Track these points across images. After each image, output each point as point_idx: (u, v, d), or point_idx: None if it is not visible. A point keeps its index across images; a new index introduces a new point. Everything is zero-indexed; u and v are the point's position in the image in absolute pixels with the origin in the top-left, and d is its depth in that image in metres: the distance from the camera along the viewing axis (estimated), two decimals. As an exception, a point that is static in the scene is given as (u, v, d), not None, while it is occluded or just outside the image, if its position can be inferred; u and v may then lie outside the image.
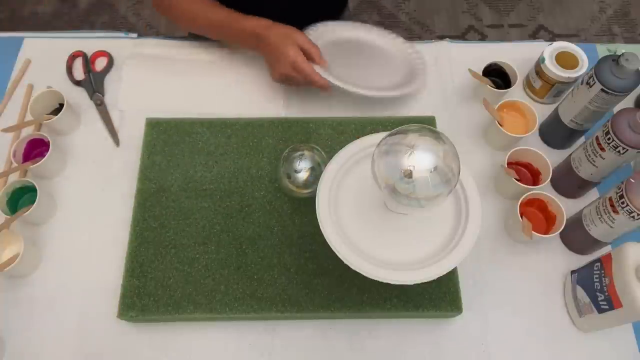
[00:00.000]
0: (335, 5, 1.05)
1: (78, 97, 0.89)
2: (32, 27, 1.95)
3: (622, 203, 0.63)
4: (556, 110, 0.81)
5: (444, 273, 0.58)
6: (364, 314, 0.69)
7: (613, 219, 0.65)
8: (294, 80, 0.81)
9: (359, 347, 0.70)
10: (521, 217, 0.72)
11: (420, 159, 0.52)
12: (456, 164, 0.54)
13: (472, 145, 0.85)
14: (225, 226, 0.74)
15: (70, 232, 0.77)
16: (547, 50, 0.84)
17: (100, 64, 0.92)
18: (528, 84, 0.90)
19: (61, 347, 0.70)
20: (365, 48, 0.92)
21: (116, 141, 0.84)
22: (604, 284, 0.64)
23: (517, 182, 0.74)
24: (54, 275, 0.74)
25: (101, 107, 0.87)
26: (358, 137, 0.66)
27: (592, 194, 0.80)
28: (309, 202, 0.65)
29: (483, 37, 1.94)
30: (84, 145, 0.84)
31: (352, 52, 0.91)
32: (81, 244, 0.76)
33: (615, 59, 0.67)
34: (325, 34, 0.90)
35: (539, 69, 0.85)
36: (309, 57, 0.79)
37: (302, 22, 0.87)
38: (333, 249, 0.59)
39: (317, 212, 0.61)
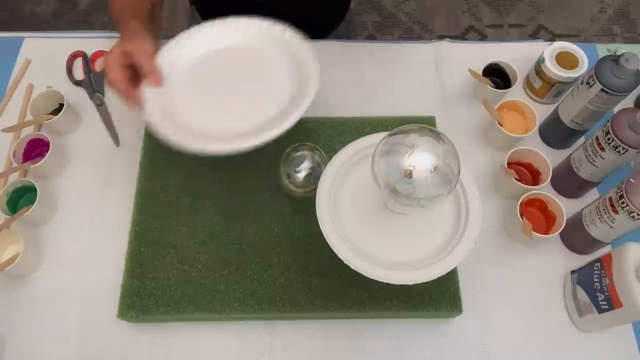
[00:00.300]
0: (337, 5, 1.05)
1: (78, 97, 0.88)
2: (32, 27, 1.95)
3: (622, 203, 0.63)
4: (556, 110, 0.81)
5: (444, 273, 0.58)
6: (364, 314, 0.69)
7: (613, 219, 0.65)
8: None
9: (359, 347, 0.70)
10: (521, 217, 0.72)
11: (420, 159, 0.52)
12: (456, 164, 0.54)
13: (472, 145, 0.85)
14: (225, 226, 0.74)
15: (70, 232, 0.77)
16: (547, 50, 0.84)
17: (100, 64, 0.92)
18: (528, 84, 0.90)
19: (61, 347, 0.70)
20: (243, 58, 0.75)
21: (116, 141, 0.84)
22: (604, 284, 0.64)
23: (517, 182, 0.74)
24: (54, 275, 0.74)
25: (101, 107, 0.87)
26: (358, 137, 0.66)
27: (592, 194, 0.80)
28: (309, 202, 0.64)
29: (483, 37, 1.95)
30: (84, 145, 0.84)
31: (226, 69, 0.74)
32: (81, 244, 0.76)
33: (615, 59, 0.67)
34: (180, 53, 0.74)
35: (539, 69, 0.85)
36: (141, 73, 0.68)
37: (306, 23, 0.87)
38: (333, 249, 0.59)
39: (317, 212, 0.61)
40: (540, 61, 0.84)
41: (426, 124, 0.56)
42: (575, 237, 0.75)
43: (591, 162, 0.71)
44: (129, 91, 0.67)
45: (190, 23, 1.11)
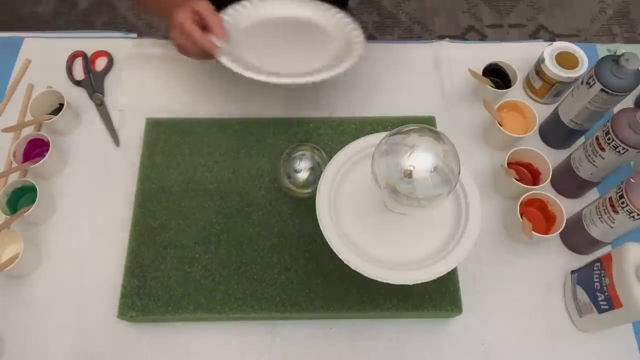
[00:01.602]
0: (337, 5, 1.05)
1: (78, 97, 0.88)
2: (32, 27, 1.95)
3: (622, 203, 0.63)
4: (556, 110, 0.81)
5: (444, 273, 0.58)
6: (364, 314, 0.69)
7: (613, 219, 0.65)
8: (188, 50, 0.73)
9: (359, 347, 0.70)
10: (521, 217, 0.72)
11: (420, 159, 0.52)
12: (456, 164, 0.54)
13: (472, 145, 0.85)
14: (225, 226, 0.74)
15: (70, 232, 0.77)
16: (547, 50, 0.84)
17: (100, 64, 0.92)
18: (528, 84, 0.90)
19: (61, 347, 0.70)
20: (297, 26, 0.85)
21: (116, 141, 0.84)
22: (604, 284, 0.64)
23: (517, 182, 0.74)
24: (54, 275, 0.74)
25: (101, 107, 0.87)
26: (358, 137, 0.66)
27: (592, 194, 0.80)
28: (309, 202, 0.65)
29: (483, 37, 1.94)
30: (84, 145, 0.84)
31: (282, 32, 0.84)
32: (81, 243, 0.76)
33: (615, 59, 0.67)
34: (251, 12, 0.84)
35: (539, 69, 0.85)
36: (208, 27, 0.73)
37: None
38: (333, 249, 0.59)
39: (317, 212, 0.61)
40: (540, 61, 0.84)
41: (426, 124, 0.56)
42: (575, 237, 0.75)
43: (591, 162, 0.71)
44: (205, 37, 0.71)
45: None
